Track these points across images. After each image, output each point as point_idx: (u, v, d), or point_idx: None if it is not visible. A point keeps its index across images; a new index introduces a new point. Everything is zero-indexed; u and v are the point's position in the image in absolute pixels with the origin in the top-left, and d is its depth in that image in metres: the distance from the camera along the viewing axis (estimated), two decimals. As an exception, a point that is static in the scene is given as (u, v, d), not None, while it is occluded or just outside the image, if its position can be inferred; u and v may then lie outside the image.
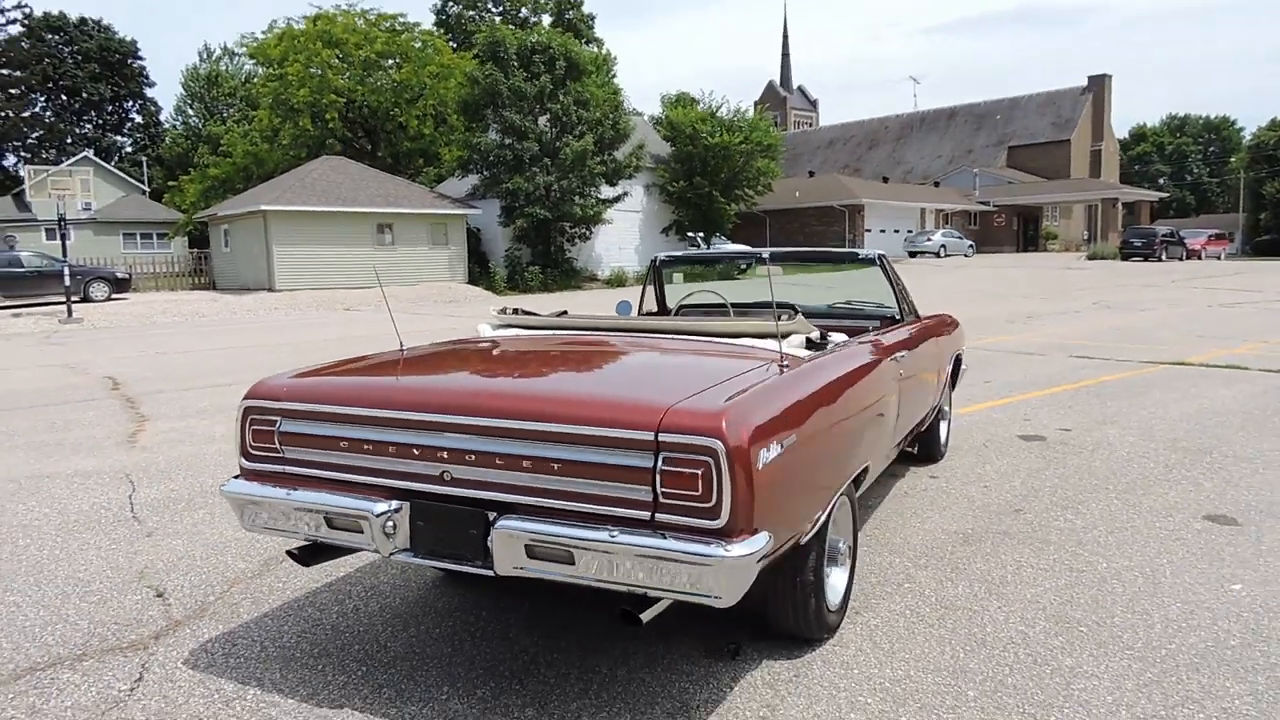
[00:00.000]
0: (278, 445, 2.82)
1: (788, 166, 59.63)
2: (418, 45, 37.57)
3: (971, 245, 43.05)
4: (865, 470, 3.41)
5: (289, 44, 35.54)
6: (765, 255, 5.16)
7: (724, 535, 2.24)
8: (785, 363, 2.87)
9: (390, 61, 36.88)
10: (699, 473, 2.22)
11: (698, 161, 34.59)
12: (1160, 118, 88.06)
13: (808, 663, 3.02)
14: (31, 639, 3.25)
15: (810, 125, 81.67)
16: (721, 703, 2.77)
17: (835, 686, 2.86)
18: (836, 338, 3.80)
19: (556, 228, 29.83)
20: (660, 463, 2.27)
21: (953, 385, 6.00)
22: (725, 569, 2.20)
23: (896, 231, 43.54)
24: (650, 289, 5.44)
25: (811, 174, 52.11)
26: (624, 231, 34.07)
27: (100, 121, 62.26)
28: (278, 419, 2.82)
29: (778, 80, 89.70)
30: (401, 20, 37.54)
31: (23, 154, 54.44)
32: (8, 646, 3.19)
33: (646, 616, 2.36)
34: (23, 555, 4.17)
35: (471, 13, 53.72)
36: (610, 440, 2.32)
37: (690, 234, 34.88)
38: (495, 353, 3.39)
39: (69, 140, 57.51)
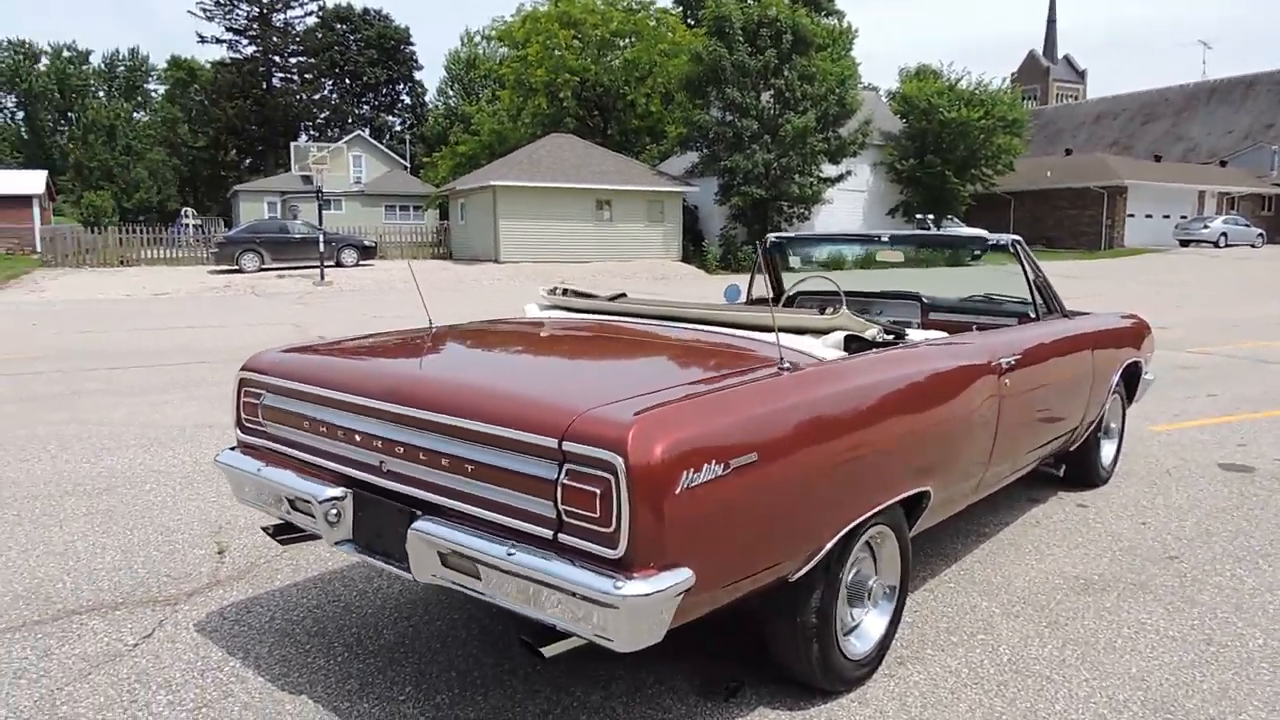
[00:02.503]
0: (261, 420, 2.81)
1: (1045, 144, 54.66)
2: (652, 23, 38.05)
3: (1261, 234, 37.31)
4: (923, 498, 2.88)
5: (531, 26, 37.27)
6: (885, 238, 4.60)
7: (622, 568, 1.90)
8: (786, 365, 2.44)
9: (625, 41, 37.66)
10: (598, 491, 1.90)
11: (931, 138, 32.47)
12: None
13: (808, 719, 2.60)
14: (94, 582, 3.50)
15: (1076, 98, 74.22)
16: (684, 751, 2.43)
17: (827, 752, 2.43)
18: (917, 336, 3.26)
19: (774, 207, 29.17)
20: (563, 475, 1.98)
21: (1130, 399, 5.08)
22: (618, 609, 1.87)
23: (1166, 217, 38.61)
24: (762, 275, 5.01)
25: (1069, 152, 47.36)
26: (846, 212, 32.74)
27: (376, 103, 68.84)
28: (262, 393, 2.80)
29: (1040, 49, 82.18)
30: (639, -1, 38.19)
31: (312, 132, 61.41)
32: (70, 586, 3.45)
33: (550, 651, 2.08)
34: (141, 499, 4.54)
35: (712, -12, 53.63)
36: (517, 444, 2.06)
37: (919, 215, 32.89)
38: (500, 338, 3.20)
39: (349, 120, 64.11)
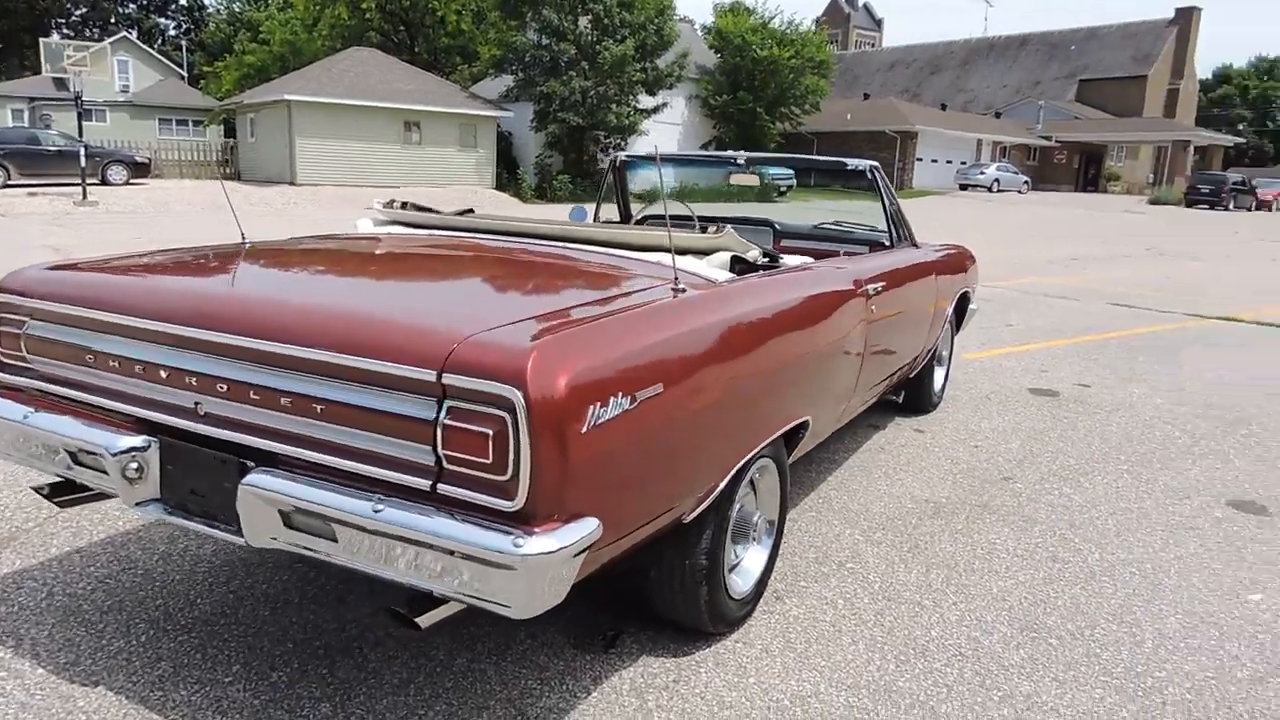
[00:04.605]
0: (24, 352, 2.24)
1: (845, 88, 57.04)
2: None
3: (1027, 181, 41.03)
4: (802, 427, 2.76)
5: (328, -74, 34.17)
6: (741, 160, 4.43)
7: (521, 521, 1.62)
8: (681, 286, 2.20)
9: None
10: (490, 433, 1.59)
11: (744, 75, 32.97)
12: (1248, 59, 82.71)
13: (695, 664, 2.43)
14: None
15: (873, 46, 77.86)
16: (568, 715, 2.20)
17: (719, 700, 2.28)
18: (792, 260, 3.11)
19: (590, 136, 28.72)
20: (444, 414, 1.64)
21: (958, 327, 5.27)
22: (517, 570, 1.58)
23: (949, 162, 41.55)
24: (612, 196, 4.73)
25: (866, 96, 49.79)
26: (662, 145, 32.58)
27: (144, 2, 61.26)
28: (25, 320, 2.23)
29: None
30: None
31: (65, 31, 53.84)
32: None
33: (425, 621, 1.77)
34: None
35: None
36: (383, 377, 1.70)
37: (730, 152, 33.51)
38: (336, 256, 2.75)
39: (112, 20, 56.71)
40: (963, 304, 5.08)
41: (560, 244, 2.75)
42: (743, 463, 2.31)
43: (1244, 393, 5.77)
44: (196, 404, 1.94)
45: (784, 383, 2.51)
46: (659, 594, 2.41)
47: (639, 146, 30.77)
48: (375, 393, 1.71)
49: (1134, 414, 5.17)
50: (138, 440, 2.00)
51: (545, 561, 1.59)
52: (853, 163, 4.06)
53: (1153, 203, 37.31)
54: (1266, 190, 39.00)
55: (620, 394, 1.74)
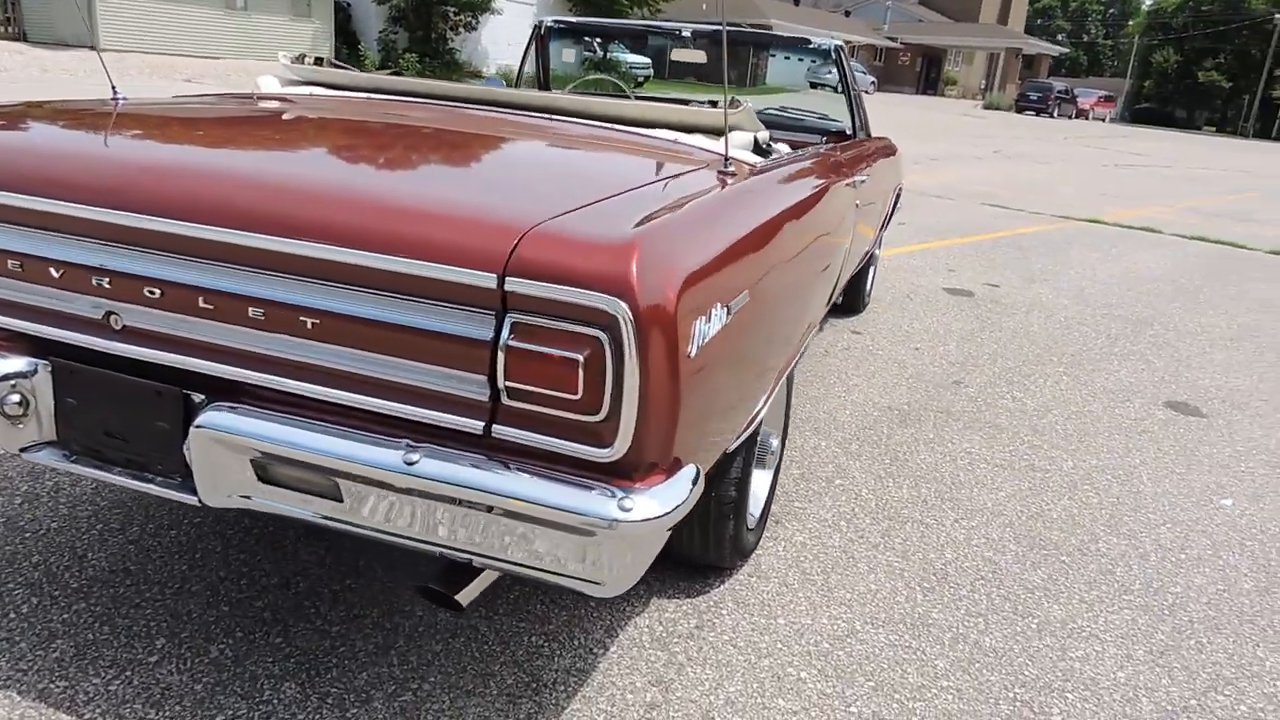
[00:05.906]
0: None
1: (696, -24, 55.73)
2: None
3: (874, 82, 41.80)
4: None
5: None
6: (686, 33, 3.95)
7: (618, 474, 1.22)
8: (730, 169, 1.77)
9: None
10: (579, 358, 1.16)
11: (601, -46, 31.35)
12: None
13: (714, 605, 2.14)
14: None
15: (723, -67, 76.18)
16: (590, 676, 1.85)
17: (754, 648, 1.99)
18: (781, 148, 2.74)
19: (439, 12, 26.65)
20: (508, 332, 1.19)
21: (885, 224, 5.09)
22: (613, 537, 1.19)
23: (801, 60, 41.66)
24: (530, 68, 4.15)
25: (720, -14, 48.83)
26: (515, 27, 30.90)
27: None
28: None
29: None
30: None
31: None
32: None
33: (466, 597, 1.36)
34: None
35: None
36: (414, 281, 1.22)
37: (587, 38, 32.10)
38: (256, 119, 2.14)
39: None
40: (895, 200, 4.89)
41: (544, 116, 2.24)
42: (783, 378, 1.97)
43: (1135, 295, 5.97)
44: (109, 315, 1.38)
45: (817, 282, 2.17)
46: (680, 533, 2.07)
47: (491, 26, 28.97)
48: (400, 303, 1.23)
49: (1048, 315, 5.21)
50: (18, 363, 1.43)
51: (652, 527, 1.21)
52: (817, 40, 3.67)
53: (986, 107, 39.07)
54: (1085, 100, 41.67)
55: (719, 305, 1.34)
